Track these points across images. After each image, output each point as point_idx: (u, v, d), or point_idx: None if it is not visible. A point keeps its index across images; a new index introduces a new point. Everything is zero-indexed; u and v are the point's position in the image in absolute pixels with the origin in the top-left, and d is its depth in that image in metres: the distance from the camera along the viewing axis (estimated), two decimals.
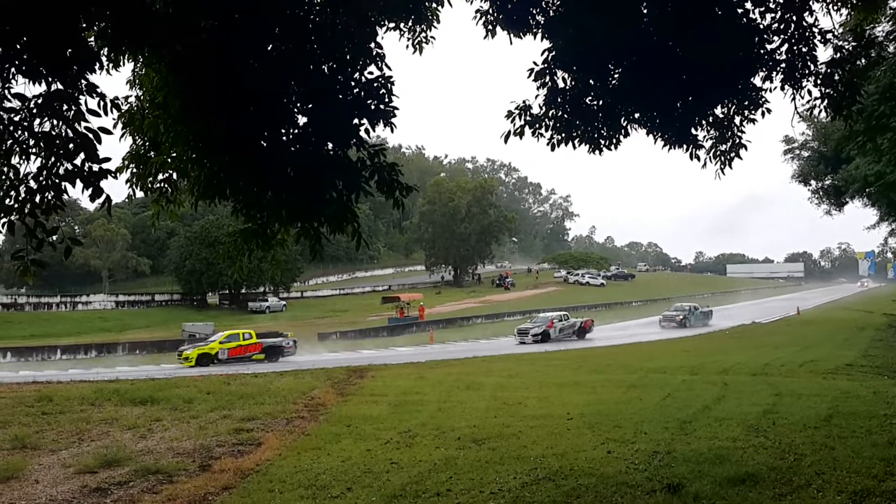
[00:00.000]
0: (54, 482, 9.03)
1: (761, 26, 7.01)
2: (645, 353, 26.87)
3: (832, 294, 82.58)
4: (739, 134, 7.61)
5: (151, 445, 11.04)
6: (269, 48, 5.68)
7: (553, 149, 7.51)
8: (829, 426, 10.34)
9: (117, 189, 6.78)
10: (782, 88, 7.26)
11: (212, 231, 66.48)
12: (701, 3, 6.77)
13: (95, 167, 4.44)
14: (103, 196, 4.57)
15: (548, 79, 7.26)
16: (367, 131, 5.83)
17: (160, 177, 6.66)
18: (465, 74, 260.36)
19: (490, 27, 7.28)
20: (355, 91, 5.80)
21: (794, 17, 6.98)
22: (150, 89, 6.12)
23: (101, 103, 4.88)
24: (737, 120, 7.56)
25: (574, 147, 7.51)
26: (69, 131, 4.39)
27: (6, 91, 4.35)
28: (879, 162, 22.11)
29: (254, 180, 5.74)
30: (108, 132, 4.69)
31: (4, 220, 4.43)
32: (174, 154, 6.23)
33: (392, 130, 6.00)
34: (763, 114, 7.46)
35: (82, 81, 4.53)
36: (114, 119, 6.10)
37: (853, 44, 7.97)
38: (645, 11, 7.02)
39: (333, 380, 19.19)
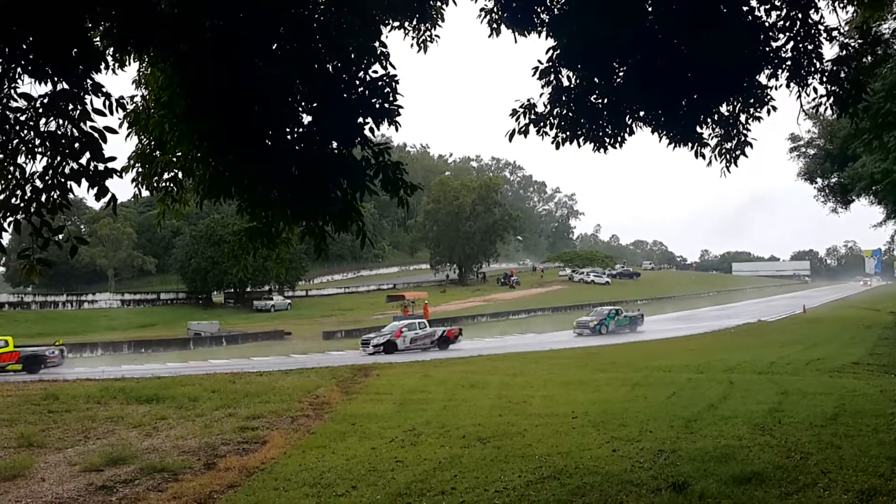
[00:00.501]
0: (60, 480, 9.07)
1: (767, 24, 6.98)
2: (650, 352, 26.83)
3: (839, 292, 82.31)
4: (745, 132, 7.58)
5: (157, 444, 11.08)
6: (273, 47, 5.68)
7: (558, 147, 7.50)
8: (836, 425, 10.31)
9: (123, 188, 6.85)
10: (788, 86, 7.22)
11: (217, 230, 66.62)
12: (706, 0, 6.75)
13: (101, 166, 4.45)
14: (109, 195, 4.58)
15: (552, 77, 7.25)
16: (371, 130, 5.83)
17: (165, 176, 6.66)
18: (470, 73, 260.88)
19: (494, 26, 7.25)
20: (360, 90, 5.81)
21: (800, 15, 6.94)
22: (156, 89, 6.13)
23: (107, 103, 4.89)
24: (742, 118, 7.53)
25: (579, 145, 7.50)
26: (75, 131, 4.40)
27: (12, 91, 4.36)
28: (886, 159, 22.07)
29: (259, 179, 5.75)
30: (113, 131, 4.69)
31: (11, 219, 4.44)
32: (179, 153, 6.23)
33: (397, 129, 6.01)
34: (769, 112, 7.43)
35: (88, 81, 4.54)
36: (119, 118, 6.11)
37: (859, 41, 7.93)
38: (650, 9, 7.00)
39: (338, 378, 19.23)
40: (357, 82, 5.82)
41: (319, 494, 7.91)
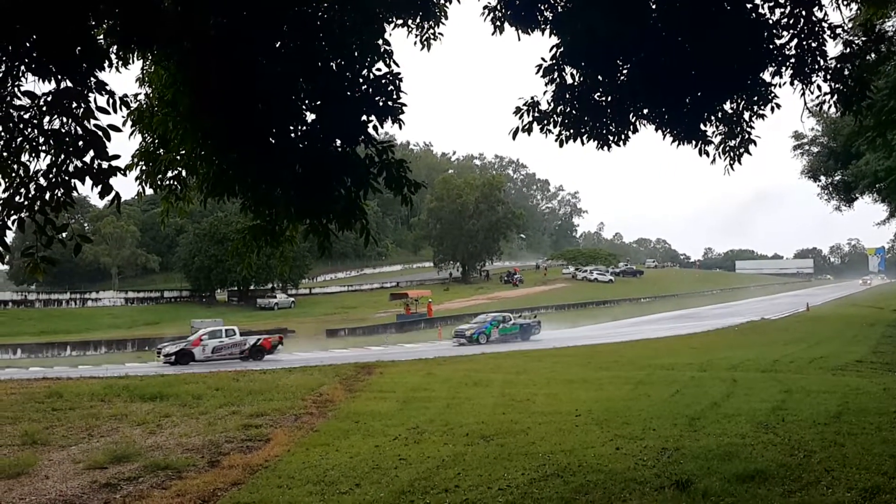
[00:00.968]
0: (64, 478, 9.09)
1: (770, 21, 6.97)
2: (653, 350, 26.80)
3: (842, 290, 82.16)
4: (748, 129, 7.57)
5: (160, 441, 11.10)
6: (277, 45, 5.68)
7: (561, 145, 7.49)
8: (839, 423, 10.29)
9: (126, 186, 6.84)
10: (792, 84, 7.21)
11: (220, 228, 66.78)
12: None
13: (105, 164, 4.45)
14: (112, 193, 4.58)
15: (556, 75, 7.23)
16: (375, 128, 5.83)
17: (169, 174, 6.68)
18: (474, 71, 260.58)
19: (498, 23, 7.25)
20: (363, 88, 5.81)
21: (804, 12, 6.93)
22: (159, 87, 6.13)
23: (111, 101, 4.91)
24: (746, 115, 7.51)
25: (582, 143, 7.49)
26: (78, 129, 4.40)
27: (16, 89, 4.37)
28: (889, 157, 22.03)
29: (262, 177, 5.75)
30: (117, 129, 4.70)
31: (15, 217, 4.45)
32: (183, 151, 6.24)
33: (400, 127, 6.00)
34: (772, 109, 7.42)
35: (91, 79, 4.54)
36: (123, 116, 6.13)
37: (863, 39, 7.92)
38: (653, 7, 6.99)
39: (342, 376, 19.23)
40: (360, 80, 5.82)
41: (323, 492, 7.92)
